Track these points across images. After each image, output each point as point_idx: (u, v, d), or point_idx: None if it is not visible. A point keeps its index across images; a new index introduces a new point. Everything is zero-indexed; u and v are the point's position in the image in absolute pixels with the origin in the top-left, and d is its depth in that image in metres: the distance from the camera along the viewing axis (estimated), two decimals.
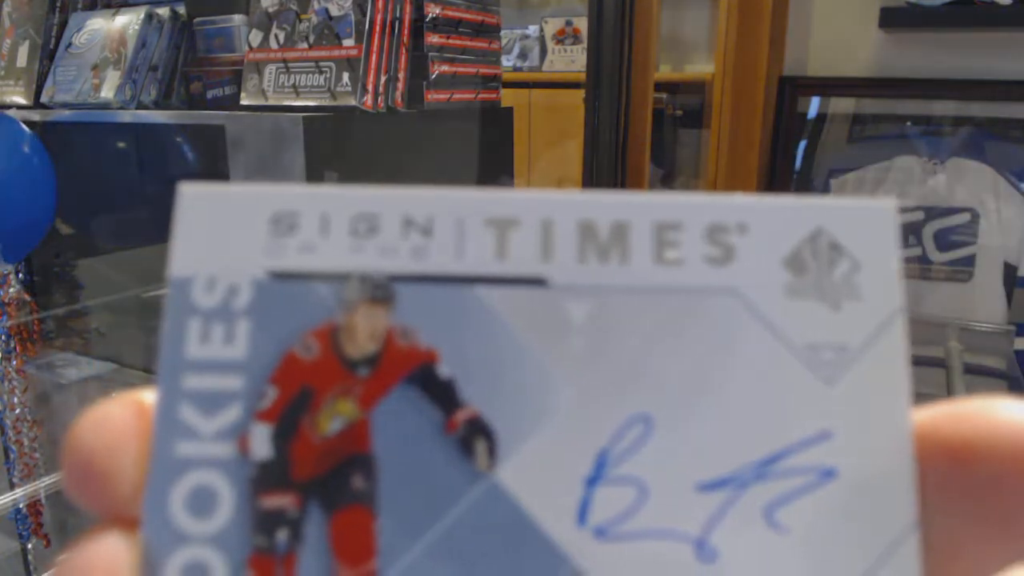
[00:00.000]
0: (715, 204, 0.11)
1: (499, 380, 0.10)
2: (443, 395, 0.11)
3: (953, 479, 0.10)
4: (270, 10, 0.97)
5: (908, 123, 1.76)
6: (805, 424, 0.10)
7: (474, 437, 0.10)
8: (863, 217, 0.11)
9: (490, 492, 0.10)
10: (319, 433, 0.11)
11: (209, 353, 0.11)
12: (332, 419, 0.11)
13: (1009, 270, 1.66)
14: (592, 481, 0.10)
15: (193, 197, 0.11)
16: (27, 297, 1.04)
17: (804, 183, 1.86)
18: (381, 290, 0.11)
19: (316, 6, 0.94)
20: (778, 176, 1.88)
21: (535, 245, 0.11)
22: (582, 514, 0.10)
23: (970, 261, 1.68)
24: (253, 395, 0.11)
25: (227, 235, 0.11)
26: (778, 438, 0.10)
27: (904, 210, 1.75)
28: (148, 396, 0.11)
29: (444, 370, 0.11)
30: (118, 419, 0.11)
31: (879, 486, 0.10)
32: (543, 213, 0.11)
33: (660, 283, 0.11)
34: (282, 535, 0.10)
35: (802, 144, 1.86)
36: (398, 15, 0.93)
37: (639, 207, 0.11)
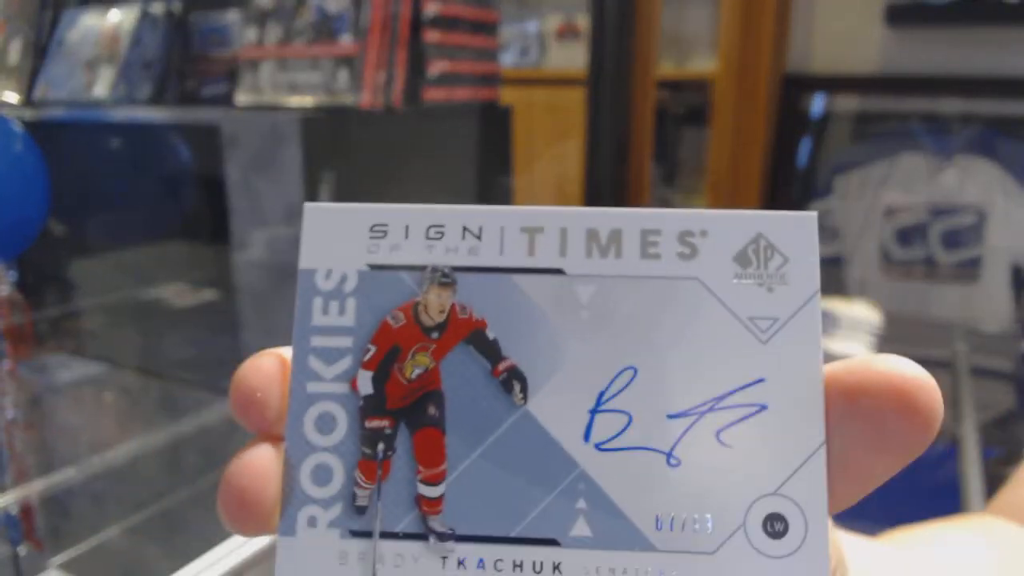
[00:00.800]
0: (685, 216, 0.15)
1: (529, 340, 0.15)
2: (490, 351, 0.15)
3: (846, 411, 0.14)
4: (266, 7, 0.96)
5: (913, 121, 1.74)
6: (746, 373, 0.15)
7: (512, 380, 0.15)
8: (792, 224, 0.15)
9: (523, 418, 0.15)
10: (405, 377, 0.15)
11: (328, 321, 0.15)
12: (414, 368, 0.15)
13: (1016, 271, 1.64)
14: (593, 411, 0.15)
15: (315, 211, 0.16)
16: (20, 298, 1.03)
17: (807, 181, 1.84)
18: (447, 277, 0.15)
19: (313, 3, 0.92)
20: (781, 174, 1.86)
21: (555, 246, 0.15)
22: (587, 433, 0.15)
23: (977, 262, 1.67)
24: (359, 351, 0.15)
25: (339, 239, 0.15)
26: (726, 382, 0.15)
27: (910, 210, 1.74)
28: (286, 351, 0.15)
29: (491, 334, 0.15)
30: (268, 366, 0.15)
31: (797, 416, 0.14)
32: (561, 223, 0.15)
33: (644, 272, 0.15)
34: (380, 446, 0.15)
35: (806, 142, 1.85)
36: (396, 12, 0.92)
37: (629, 218, 0.15)
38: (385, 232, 0.15)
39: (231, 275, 0.96)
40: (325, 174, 0.89)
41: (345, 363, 0.15)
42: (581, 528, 0.14)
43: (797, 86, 1.83)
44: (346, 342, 0.15)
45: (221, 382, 1.05)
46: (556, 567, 0.14)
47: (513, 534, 0.14)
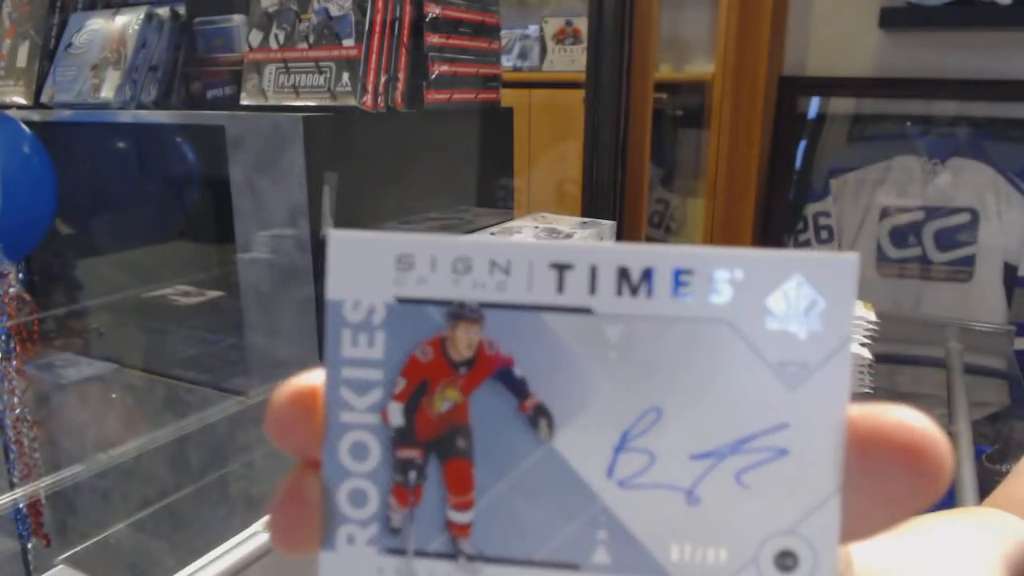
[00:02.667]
0: (720, 254, 0.15)
1: (556, 378, 0.15)
2: (517, 388, 0.15)
3: (856, 462, 0.15)
4: (270, 10, 0.97)
5: (908, 123, 1.76)
6: (770, 418, 0.15)
7: (539, 417, 0.15)
8: (830, 268, 0.15)
9: (548, 453, 0.15)
10: (434, 411, 0.16)
11: (357, 354, 0.16)
12: (443, 401, 0.16)
13: (1009, 270, 1.66)
14: (618, 449, 0.15)
15: (340, 240, 0.16)
16: (27, 297, 1.04)
17: (804, 183, 1.86)
18: (474, 313, 0.15)
19: (316, 6, 0.94)
20: (778, 176, 1.87)
21: (584, 283, 0.15)
22: (610, 471, 0.15)
23: (970, 261, 1.68)
24: (389, 383, 0.16)
25: (365, 270, 0.16)
26: (750, 426, 0.15)
27: (904, 210, 1.75)
28: (318, 378, 0.16)
29: (518, 371, 0.15)
30: (302, 394, 0.16)
31: (816, 462, 0.15)
32: (592, 260, 0.15)
33: (674, 313, 0.15)
34: (412, 475, 0.16)
35: (802, 144, 1.86)
36: (398, 15, 0.93)
37: (662, 255, 0.15)
38: (412, 264, 0.15)
39: (235, 275, 0.97)
40: (328, 175, 0.90)
41: (376, 395, 0.16)
42: (601, 556, 0.15)
43: (793, 88, 1.85)
44: (376, 375, 0.16)
45: (225, 381, 1.06)
46: None
47: (536, 558, 0.15)
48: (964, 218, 1.68)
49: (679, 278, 0.15)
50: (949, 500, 0.75)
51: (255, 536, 0.62)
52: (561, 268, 0.15)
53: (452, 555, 0.16)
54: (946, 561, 0.27)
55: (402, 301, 0.15)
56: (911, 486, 0.14)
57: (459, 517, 0.16)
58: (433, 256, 0.15)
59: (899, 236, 1.75)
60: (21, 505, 0.94)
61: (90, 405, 1.11)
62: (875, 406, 0.15)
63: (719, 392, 0.15)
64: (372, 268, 0.16)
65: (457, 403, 0.16)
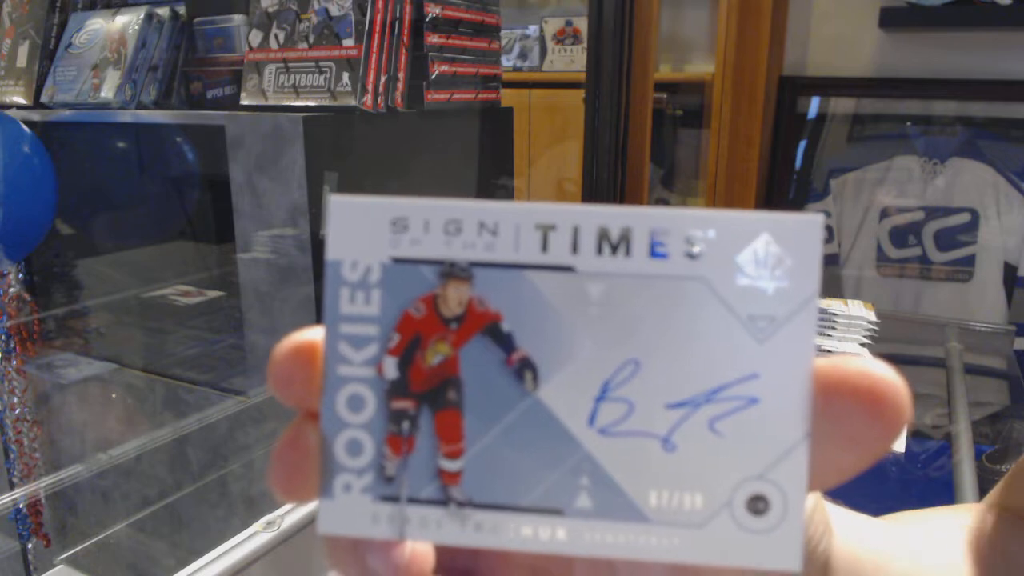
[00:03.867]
0: (693, 216, 0.16)
1: (541, 333, 0.16)
2: (505, 342, 0.16)
3: (822, 409, 0.15)
4: (270, 10, 0.97)
5: (908, 123, 1.76)
6: (741, 368, 0.16)
7: (524, 369, 0.16)
8: (797, 226, 0.16)
9: (534, 404, 0.16)
10: (426, 364, 0.16)
11: (355, 310, 0.16)
12: (435, 355, 0.16)
13: (1009, 270, 1.66)
14: (599, 399, 0.16)
15: (339, 204, 0.16)
16: (27, 297, 1.04)
17: (804, 183, 1.86)
18: (465, 272, 0.16)
19: (316, 6, 0.94)
20: (778, 176, 1.87)
21: (567, 243, 0.16)
22: (592, 419, 0.16)
23: (970, 261, 1.68)
24: (384, 338, 0.16)
25: (362, 232, 0.16)
26: (723, 376, 0.16)
27: (904, 210, 1.75)
28: (318, 334, 0.17)
29: (506, 326, 0.16)
30: (302, 348, 0.16)
31: (785, 410, 0.15)
32: (574, 221, 0.16)
33: (652, 271, 0.16)
34: (405, 425, 0.16)
35: (802, 144, 1.86)
36: (398, 15, 0.93)
37: (640, 217, 0.16)
38: (407, 226, 0.16)
39: (235, 275, 0.97)
40: (328, 175, 0.90)
41: (372, 349, 0.16)
42: (583, 501, 0.16)
43: (793, 88, 1.85)
44: (372, 330, 0.16)
45: (225, 381, 1.06)
46: (560, 533, 0.16)
47: (523, 504, 0.16)
48: (964, 218, 1.68)
49: (656, 238, 0.16)
50: (949, 498, 0.75)
51: (255, 536, 0.62)
52: (545, 229, 0.16)
53: (443, 501, 0.16)
54: (935, 545, 0.28)
55: (397, 261, 0.16)
56: (873, 428, 0.15)
57: (450, 465, 0.16)
58: (426, 219, 0.16)
59: (899, 236, 1.75)
60: (21, 505, 0.94)
61: (90, 405, 1.11)
62: (839, 357, 0.16)
63: (693, 345, 0.16)
64: (369, 230, 0.16)
65: (448, 356, 0.16)
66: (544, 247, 0.16)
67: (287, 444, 0.17)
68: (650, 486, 0.16)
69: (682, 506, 0.16)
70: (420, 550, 0.17)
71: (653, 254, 0.16)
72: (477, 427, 0.16)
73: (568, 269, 0.16)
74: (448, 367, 0.16)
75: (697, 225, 0.16)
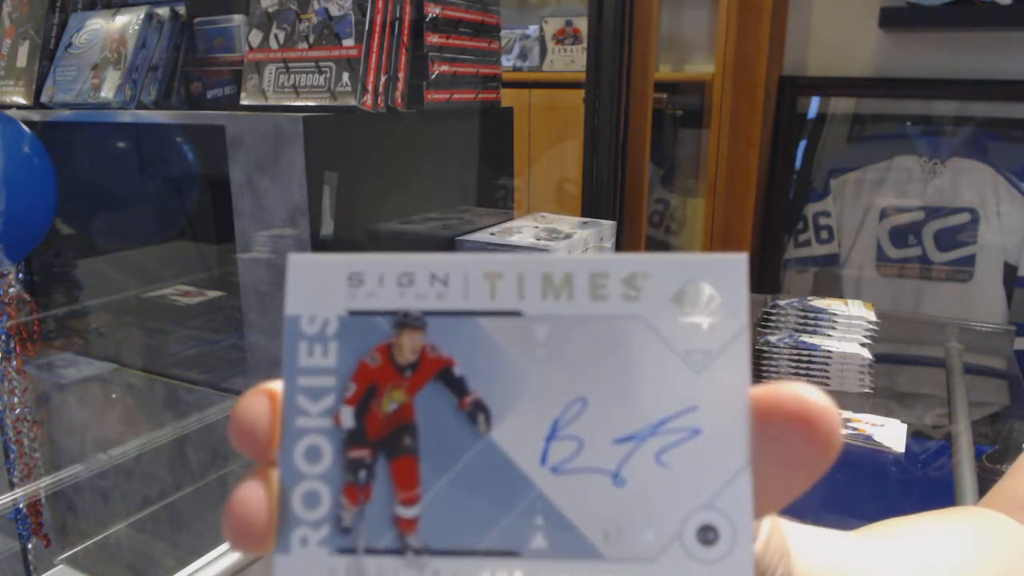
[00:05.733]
0: (629, 260, 0.17)
1: (491, 376, 0.17)
2: (457, 386, 0.17)
3: (760, 434, 0.16)
4: (270, 10, 0.97)
5: (908, 123, 1.76)
6: (682, 400, 0.16)
7: (477, 412, 0.17)
8: (723, 267, 0.17)
9: (487, 445, 0.17)
10: (382, 411, 0.17)
11: (313, 363, 0.17)
12: (390, 402, 0.17)
13: (1009, 270, 1.66)
14: (549, 438, 0.16)
15: (299, 263, 0.18)
16: (27, 297, 1.04)
17: (804, 183, 1.86)
18: (418, 320, 0.17)
19: (316, 6, 0.94)
20: (778, 176, 1.87)
21: (513, 289, 0.17)
22: (544, 458, 0.16)
23: (970, 261, 1.68)
24: (341, 389, 0.17)
25: (320, 287, 0.17)
26: (665, 409, 0.16)
27: (904, 210, 1.75)
28: (278, 385, 0.17)
29: (458, 371, 0.17)
30: (261, 403, 0.17)
31: (725, 439, 0.16)
32: (519, 270, 0.17)
33: (593, 312, 0.17)
34: (362, 473, 0.17)
35: (802, 144, 1.86)
36: (398, 15, 0.93)
37: (579, 264, 0.17)
38: (362, 280, 0.17)
39: (235, 275, 0.97)
40: (328, 175, 0.90)
41: (329, 400, 0.17)
42: (539, 542, 0.16)
43: (793, 88, 1.85)
44: (329, 381, 0.17)
45: (225, 381, 1.06)
46: (517, 575, 0.16)
47: (480, 548, 0.16)
48: (964, 218, 1.68)
49: (596, 281, 0.17)
50: (949, 499, 0.75)
51: None
52: (492, 277, 0.17)
53: (400, 550, 0.16)
54: (911, 558, 0.27)
55: (353, 313, 0.17)
56: (808, 449, 0.16)
57: (406, 512, 0.17)
58: (381, 272, 0.17)
59: (899, 236, 1.75)
60: (21, 505, 0.95)
61: (90, 405, 1.11)
62: (773, 384, 0.17)
63: (636, 380, 0.17)
64: (326, 285, 0.17)
65: (403, 403, 0.17)
66: (492, 295, 0.17)
67: (243, 496, 0.17)
68: (603, 522, 0.16)
69: (634, 540, 0.16)
70: None
71: (594, 296, 0.17)
72: (433, 472, 0.17)
73: (516, 314, 0.17)
74: (403, 414, 0.17)
75: (632, 268, 0.17)
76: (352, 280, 0.17)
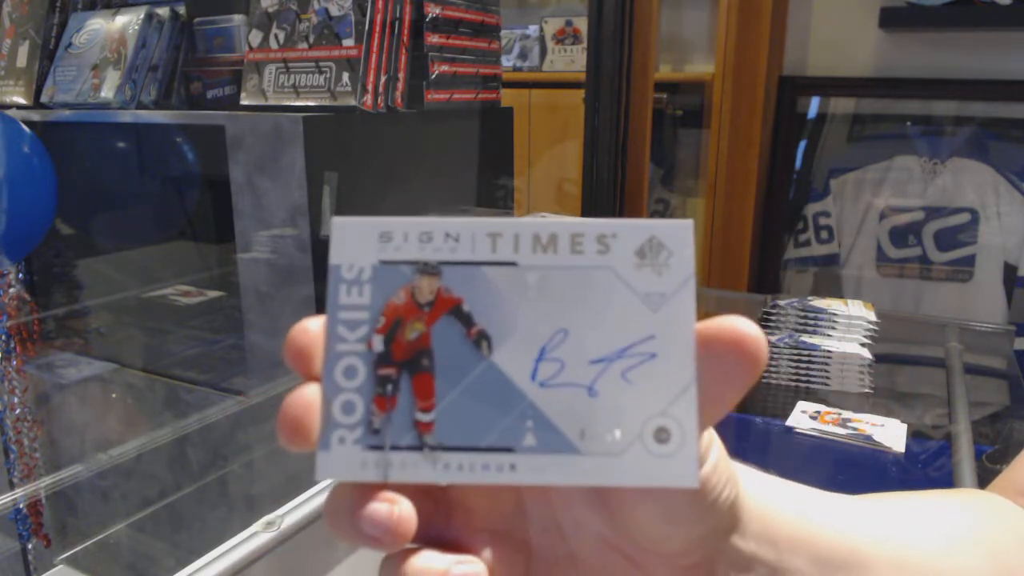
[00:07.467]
0: (601, 223, 0.21)
1: (492, 312, 0.21)
2: (465, 319, 0.21)
3: (703, 355, 0.20)
4: (270, 10, 0.97)
5: (908, 123, 1.76)
6: (642, 332, 0.21)
7: (481, 340, 0.21)
8: (675, 228, 0.21)
9: (489, 366, 0.21)
10: (406, 338, 0.21)
11: (350, 301, 0.21)
12: (412, 331, 0.21)
13: (1009, 270, 1.66)
14: (538, 360, 0.21)
15: (341, 224, 0.22)
16: (27, 297, 1.04)
17: (804, 183, 1.86)
18: (435, 268, 0.21)
19: (316, 6, 0.94)
20: (778, 176, 1.88)
21: (511, 245, 0.21)
22: (533, 375, 0.21)
23: (970, 261, 1.68)
24: (373, 321, 0.21)
25: (357, 243, 0.22)
26: (629, 338, 0.21)
27: (904, 210, 1.75)
28: (321, 320, 0.21)
29: (466, 307, 0.21)
30: (311, 330, 0.21)
31: (676, 361, 0.21)
32: (515, 230, 0.22)
33: (573, 263, 0.21)
34: (389, 387, 0.21)
35: (802, 144, 1.86)
36: (398, 15, 0.93)
37: (562, 225, 0.22)
38: (391, 237, 0.22)
39: (235, 275, 0.97)
40: (328, 175, 0.90)
41: (363, 330, 0.21)
42: (529, 440, 0.21)
43: (793, 88, 1.85)
44: (364, 315, 0.21)
45: (225, 381, 1.06)
46: (512, 466, 0.21)
47: (482, 445, 0.21)
48: (964, 218, 1.68)
49: (575, 240, 0.21)
50: None
51: (255, 536, 0.62)
52: (494, 236, 0.21)
53: (419, 447, 0.21)
54: (930, 542, 0.28)
55: (383, 263, 0.22)
56: (740, 363, 0.20)
57: (424, 417, 0.21)
58: (406, 231, 0.22)
59: (899, 236, 1.75)
60: (21, 505, 0.95)
61: (90, 405, 1.11)
62: (715, 318, 0.21)
63: (606, 316, 0.21)
64: (362, 242, 0.22)
65: (422, 332, 0.21)
66: (493, 249, 0.21)
67: (295, 401, 0.21)
68: (580, 425, 0.21)
69: (605, 439, 0.21)
70: (405, 516, 0.20)
71: (573, 251, 0.21)
72: (445, 386, 0.21)
73: (512, 264, 0.21)
74: (422, 340, 0.21)
75: (604, 229, 0.21)
76: (383, 237, 0.22)
